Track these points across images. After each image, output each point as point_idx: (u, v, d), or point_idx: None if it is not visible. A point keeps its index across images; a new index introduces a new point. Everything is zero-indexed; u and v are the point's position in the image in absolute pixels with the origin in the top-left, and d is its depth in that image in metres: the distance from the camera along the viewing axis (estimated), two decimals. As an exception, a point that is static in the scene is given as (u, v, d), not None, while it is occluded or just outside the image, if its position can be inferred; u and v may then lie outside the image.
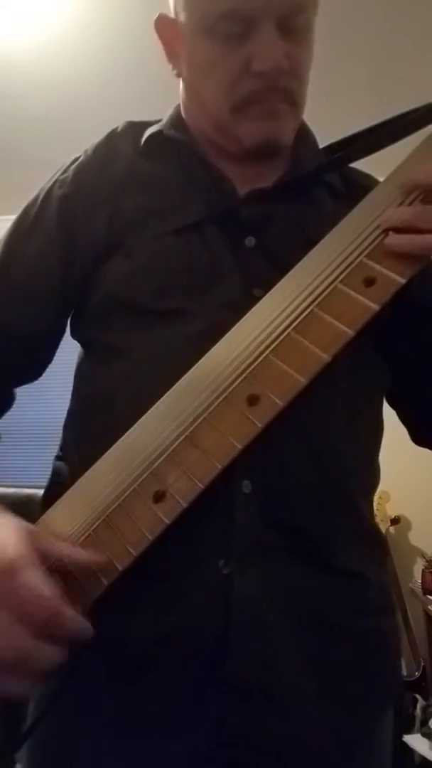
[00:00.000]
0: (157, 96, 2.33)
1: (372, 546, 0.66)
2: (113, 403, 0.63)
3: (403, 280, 0.53)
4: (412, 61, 2.17)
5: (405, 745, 1.99)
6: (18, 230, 0.72)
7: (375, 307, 0.53)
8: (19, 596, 0.47)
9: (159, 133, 0.72)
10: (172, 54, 0.71)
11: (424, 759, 1.97)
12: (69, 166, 0.73)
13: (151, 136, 0.72)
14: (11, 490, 1.98)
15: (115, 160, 0.71)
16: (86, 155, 0.73)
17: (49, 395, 1.69)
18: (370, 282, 0.54)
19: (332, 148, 0.73)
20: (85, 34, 2.11)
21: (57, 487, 0.65)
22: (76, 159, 0.73)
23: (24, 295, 0.69)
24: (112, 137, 0.74)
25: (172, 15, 0.69)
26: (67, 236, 0.69)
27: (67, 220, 0.69)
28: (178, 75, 0.72)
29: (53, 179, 0.73)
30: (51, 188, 0.72)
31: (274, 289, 0.58)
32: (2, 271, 0.70)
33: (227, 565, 0.56)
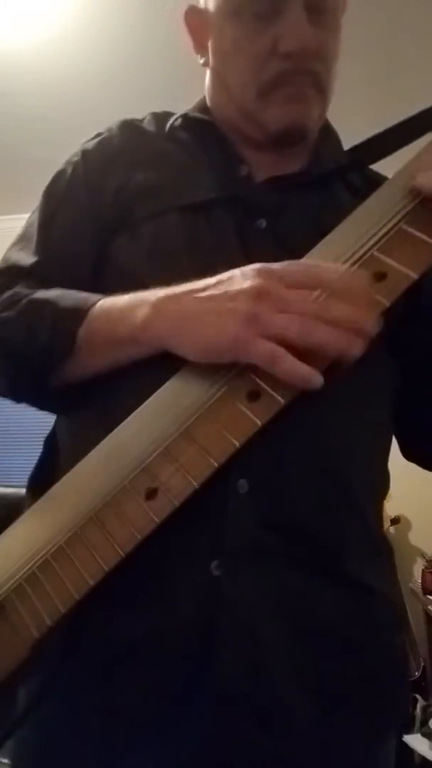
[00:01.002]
0: (157, 96, 2.34)
1: (380, 556, 0.63)
2: (111, 388, 0.61)
3: (415, 275, 0.51)
4: (412, 60, 2.17)
5: (405, 745, 1.99)
6: (50, 206, 0.72)
7: (385, 302, 0.51)
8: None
9: (184, 116, 0.74)
10: (199, 45, 0.72)
11: (424, 759, 1.97)
12: (92, 139, 0.74)
13: (176, 119, 0.74)
14: (11, 490, 1.98)
15: (136, 136, 0.72)
16: (110, 131, 0.73)
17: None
18: (380, 276, 0.52)
19: (356, 150, 0.73)
20: (85, 34, 2.12)
21: (45, 472, 0.64)
22: (100, 134, 0.74)
23: (67, 263, 0.69)
24: (134, 120, 0.75)
25: (201, 5, 0.70)
26: (90, 211, 0.69)
27: (88, 192, 0.70)
28: (205, 64, 0.73)
29: (77, 152, 0.73)
30: (76, 163, 0.72)
31: None
32: (44, 240, 0.70)
33: (219, 567, 0.53)
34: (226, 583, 0.53)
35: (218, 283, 0.54)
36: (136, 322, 0.57)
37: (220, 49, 0.69)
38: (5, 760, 0.62)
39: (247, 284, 0.51)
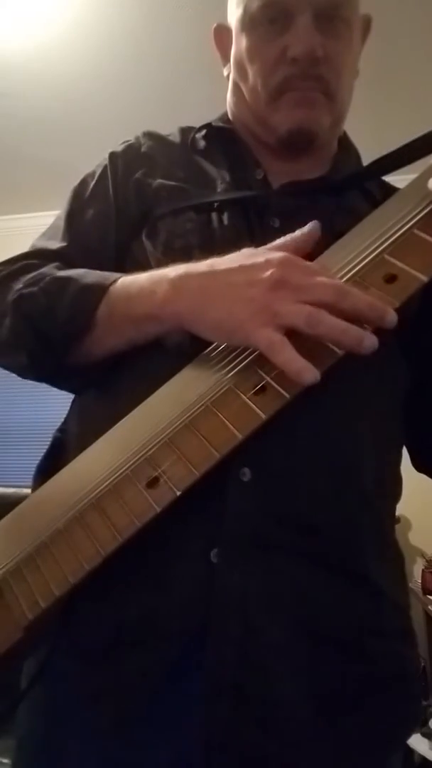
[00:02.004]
0: (156, 96, 2.33)
1: (392, 560, 0.62)
2: (120, 381, 0.62)
3: (425, 278, 0.52)
4: (412, 61, 2.17)
5: (405, 745, 1.99)
6: (78, 201, 0.75)
7: (395, 303, 0.51)
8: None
9: (207, 126, 0.77)
10: (225, 59, 0.76)
11: (424, 759, 1.97)
12: (120, 145, 0.77)
13: (198, 129, 0.77)
14: (11, 490, 1.98)
15: (161, 145, 0.76)
16: (136, 139, 0.77)
17: (50, 395, 1.69)
18: (390, 278, 0.53)
19: (376, 164, 0.74)
20: (85, 34, 2.11)
21: (52, 459, 0.65)
22: (127, 141, 0.78)
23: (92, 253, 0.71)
24: (160, 134, 0.78)
25: (227, 23, 0.75)
26: (116, 209, 0.72)
27: (114, 191, 0.73)
28: (228, 76, 0.76)
29: (107, 156, 0.76)
30: (105, 166, 0.75)
31: None
32: (72, 229, 0.73)
33: (218, 555, 0.53)
34: (222, 572, 0.53)
35: (241, 267, 0.54)
36: (155, 299, 0.58)
37: (236, 59, 0.72)
38: (6, 761, 0.62)
39: (267, 274, 0.52)
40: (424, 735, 2.01)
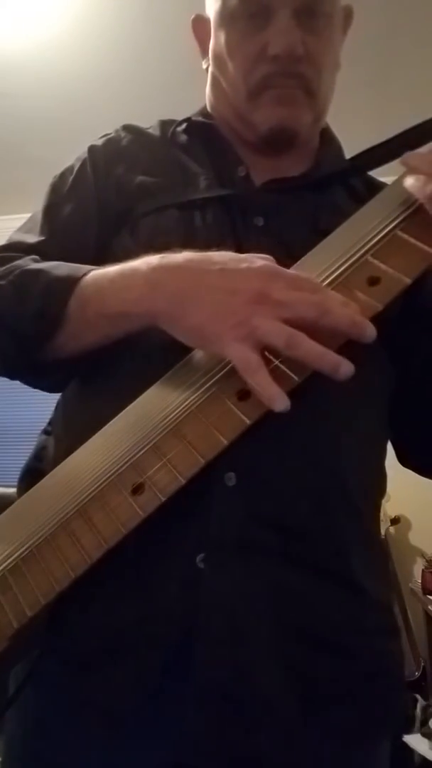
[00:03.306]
0: (157, 95, 2.34)
1: (375, 558, 0.62)
2: (105, 383, 0.62)
3: (408, 280, 0.52)
4: (411, 61, 2.17)
5: (405, 745, 1.99)
6: (57, 195, 0.73)
7: (378, 306, 0.51)
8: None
9: (187, 120, 0.76)
10: (204, 51, 0.75)
11: (424, 759, 1.97)
12: (99, 138, 0.76)
13: (179, 123, 0.76)
14: (11, 490, 1.98)
15: (141, 139, 0.74)
16: (117, 132, 0.76)
17: (50, 395, 1.68)
18: (374, 281, 0.53)
19: (358, 158, 0.73)
20: (85, 34, 2.11)
21: (38, 461, 0.64)
22: (107, 134, 0.76)
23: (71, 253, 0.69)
24: (140, 126, 0.77)
25: (206, 14, 0.73)
26: (97, 204, 0.70)
27: (95, 186, 0.71)
28: (207, 69, 0.75)
29: (86, 149, 0.75)
30: (84, 159, 0.74)
31: None
32: (50, 224, 0.71)
33: (204, 560, 0.53)
34: (209, 576, 0.53)
35: (222, 272, 0.52)
36: (129, 295, 0.56)
37: (216, 53, 0.71)
38: (-1, 759, 0.62)
39: (249, 284, 0.51)
40: (424, 735, 2.01)
